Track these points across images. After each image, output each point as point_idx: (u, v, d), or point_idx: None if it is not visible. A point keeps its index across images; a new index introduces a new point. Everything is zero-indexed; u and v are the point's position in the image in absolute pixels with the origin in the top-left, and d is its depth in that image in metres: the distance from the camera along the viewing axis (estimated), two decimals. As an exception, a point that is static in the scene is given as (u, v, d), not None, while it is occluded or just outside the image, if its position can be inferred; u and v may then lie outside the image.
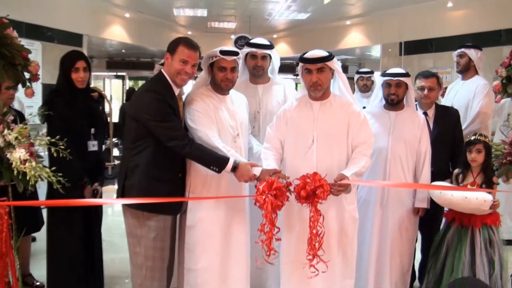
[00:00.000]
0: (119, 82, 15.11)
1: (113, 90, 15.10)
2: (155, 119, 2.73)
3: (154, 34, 11.09)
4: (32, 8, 6.82)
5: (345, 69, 12.04)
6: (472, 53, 4.35)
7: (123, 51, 12.80)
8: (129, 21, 10.02)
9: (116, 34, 9.81)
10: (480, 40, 7.12)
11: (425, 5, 8.47)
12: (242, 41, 10.41)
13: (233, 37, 11.38)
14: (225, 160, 2.78)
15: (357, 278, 3.15)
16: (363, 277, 3.39)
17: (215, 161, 2.79)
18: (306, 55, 2.94)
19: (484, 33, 7.46)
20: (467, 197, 3.07)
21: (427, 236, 3.65)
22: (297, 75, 15.17)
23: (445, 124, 3.62)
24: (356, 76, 5.59)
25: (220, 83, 3.03)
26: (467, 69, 4.41)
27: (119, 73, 14.51)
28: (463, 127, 4.03)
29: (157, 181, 2.82)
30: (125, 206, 2.89)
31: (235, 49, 3.08)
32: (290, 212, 2.97)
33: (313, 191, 2.67)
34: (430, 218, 3.51)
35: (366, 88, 5.59)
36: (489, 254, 3.17)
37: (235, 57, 3.01)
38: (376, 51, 11.34)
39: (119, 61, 13.87)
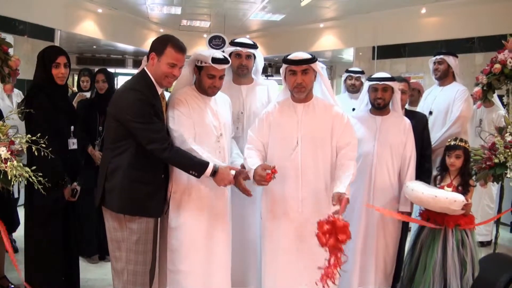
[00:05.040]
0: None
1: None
2: (136, 120, 2.64)
3: (126, 31, 10.92)
4: (4, 1, 6.61)
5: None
6: (451, 60, 4.41)
7: (94, 47, 12.58)
8: (102, 17, 9.82)
9: (89, 29, 9.59)
10: (453, 46, 7.28)
11: (399, 11, 8.59)
12: (216, 41, 10.34)
13: (206, 36, 11.30)
14: (205, 164, 2.72)
15: (340, 280, 3.16)
16: (346, 279, 3.40)
17: (195, 165, 2.73)
18: (290, 57, 2.93)
19: (457, 40, 7.60)
20: (437, 196, 3.13)
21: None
22: (269, 75, 15.26)
23: (413, 128, 3.61)
24: (345, 75, 5.29)
25: (207, 89, 2.99)
26: (445, 76, 4.46)
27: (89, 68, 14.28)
28: (443, 131, 4.18)
29: (139, 183, 2.74)
30: (105, 208, 2.79)
31: (226, 56, 3.00)
32: (285, 225, 2.98)
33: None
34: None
35: (354, 88, 5.16)
36: (461, 255, 3.23)
37: (226, 66, 2.97)
38: (348, 55, 11.45)
39: (90, 57, 13.66)
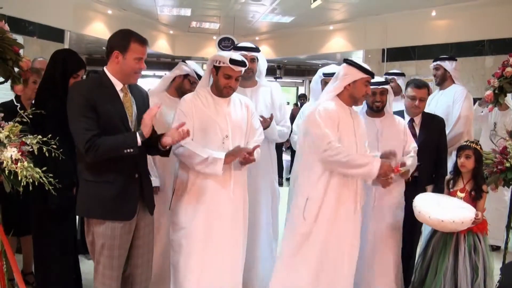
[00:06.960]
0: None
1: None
2: (70, 118, 2.52)
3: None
4: (14, 1, 6.62)
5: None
6: (447, 64, 4.54)
7: (103, 48, 12.58)
8: (112, 18, 9.87)
9: (98, 30, 9.64)
10: (463, 49, 7.27)
11: (409, 13, 8.58)
12: (226, 42, 10.38)
13: (215, 37, 11.32)
14: (132, 134, 2.54)
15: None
16: (355, 281, 3.40)
17: (124, 142, 2.52)
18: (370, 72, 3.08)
19: (467, 42, 7.58)
20: (444, 221, 3.07)
21: (408, 243, 3.66)
22: (277, 77, 15.23)
23: (431, 131, 3.68)
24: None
25: (223, 90, 3.04)
26: (444, 80, 4.60)
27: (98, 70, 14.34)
28: (446, 133, 4.12)
29: (98, 185, 2.59)
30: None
31: (244, 59, 3.05)
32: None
33: None
34: (409, 226, 3.56)
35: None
36: (473, 260, 3.21)
37: (243, 68, 3.03)
38: (357, 57, 11.40)
39: (99, 58, 13.71)
